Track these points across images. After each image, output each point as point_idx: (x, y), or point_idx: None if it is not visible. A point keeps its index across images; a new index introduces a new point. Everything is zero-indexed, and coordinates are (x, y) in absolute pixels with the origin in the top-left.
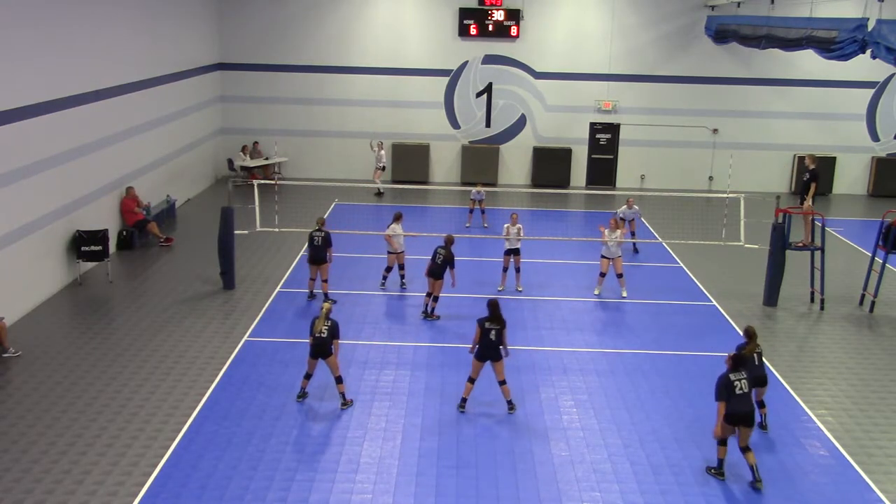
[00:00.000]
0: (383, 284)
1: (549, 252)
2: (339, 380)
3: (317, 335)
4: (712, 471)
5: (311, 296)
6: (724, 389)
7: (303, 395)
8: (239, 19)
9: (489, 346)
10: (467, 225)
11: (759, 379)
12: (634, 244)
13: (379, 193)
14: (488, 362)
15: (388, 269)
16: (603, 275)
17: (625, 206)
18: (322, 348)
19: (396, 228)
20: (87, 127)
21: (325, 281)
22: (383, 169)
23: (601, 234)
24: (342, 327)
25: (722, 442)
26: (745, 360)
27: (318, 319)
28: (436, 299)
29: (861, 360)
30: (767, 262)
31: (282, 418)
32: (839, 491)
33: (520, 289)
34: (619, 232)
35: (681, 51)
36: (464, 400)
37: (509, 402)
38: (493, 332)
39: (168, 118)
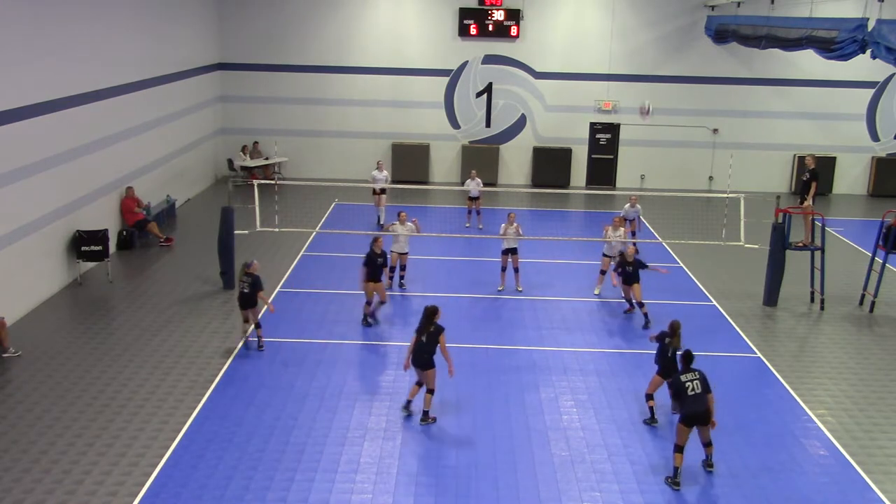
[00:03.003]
0: (389, 286)
1: (549, 252)
2: (258, 325)
3: (241, 290)
4: (668, 480)
5: (374, 320)
6: (676, 389)
7: (245, 341)
8: (239, 19)
9: (419, 351)
10: (467, 225)
11: (670, 368)
12: (635, 244)
13: (379, 222)
14: (419, 369)
15: (392, 269)
16: (603, 272)
17: (627, 205)
18: (246, 300)
19: (398, 228)
20: (87, 127)
21: (382, 303)
22: (384, 192)
23: (604, 233)
24: (342, 327)
25: (678, 449)
26: (692, 357)
27: (238, 274)
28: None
29: (861, 360)
30: (767, 262)
31: (282, 418)
32: (839, 491)
33: (519, 289)
34: (621, 230)
35: (681, 51)
36: (408, 401)
37: (425, 413)
38: (424, 336)
39: (168, 118)
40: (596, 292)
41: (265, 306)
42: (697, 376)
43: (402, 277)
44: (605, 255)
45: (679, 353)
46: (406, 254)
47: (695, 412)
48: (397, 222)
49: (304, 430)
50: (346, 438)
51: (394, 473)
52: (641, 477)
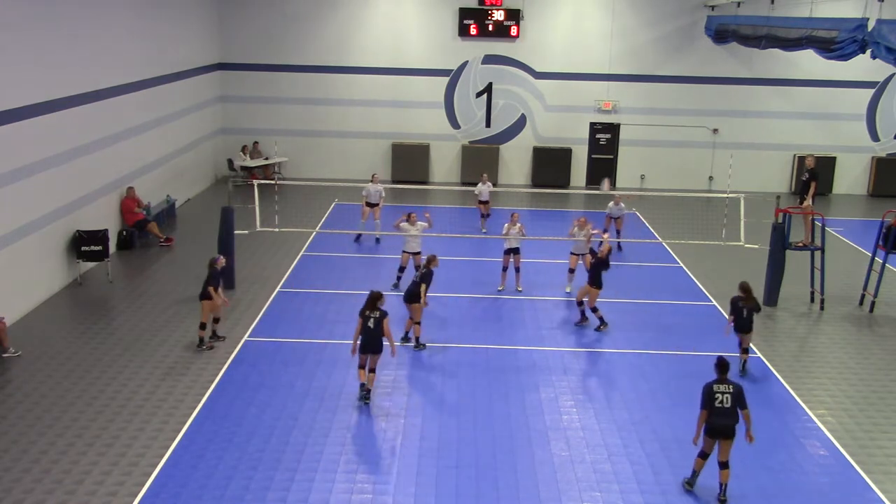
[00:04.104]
0: (396, 285)
1: (549, 252)
2: (202, 326)
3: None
4: (684, 480)
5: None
6: (707, 399)
7: (201, 344)
8: (239, 19)
9: (369, 336)
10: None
11: (746, 325)
12: (619, 243)
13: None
14: (371, 354)
15: (402, 269)
16: (572, 271)
17: (612, 203)
18: (201, 292)
19: (409, 228)
20: (87, 127)
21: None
22: (377, 205)
23: (572, 227)
24: (342, 327)
25: (702, 455)
26: (726, 365)
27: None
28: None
29: (861, 360)
30: (767, 262)
31: (282, 418)
32: (839, 491)
33: (519, 289)
34: (587, 229)
35: (681, 51)
36: (362, 385)
37: (367, 390)
38: (371, 321)
39: (168, 118)
40: (567, 290)
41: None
42: (731, 391)
43: (398, 278)
44: (572, 253)
45: (754, 311)
46: (419, 254)
47: (720, 425)
48: (407, 222)
49: (304, 430)
50: (346, 438)
51: (394, 473)
52: (641, 477)
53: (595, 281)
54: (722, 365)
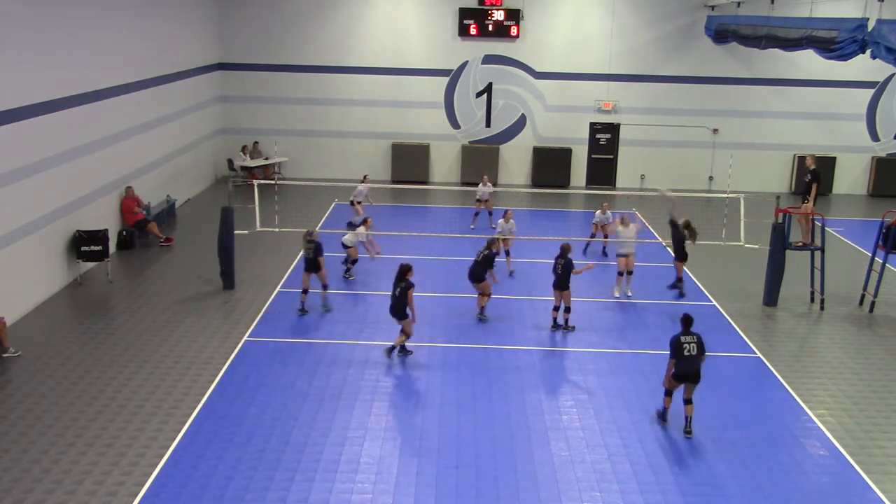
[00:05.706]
0: (349, 274)
1: (549, 252)
2: (325, 287)
3: (306, 257)
4: (658, 414)
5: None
6: (674, 349)
7: (303, 310)
8: (239, 19)
9: (392, 304)
10: (472, 227)
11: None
12: (604, 247)
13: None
14: (396, 319)
15: (354, 262)
16: (621, 274)
17: (598, 211)
18: (311, 264)
19: (361, 230)
20: (87, 127)
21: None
22: (361, 202)
23: (616, 226)
24: (342, 327)
25: (668, 393)
26: (692, 320)
27: (304, 243)
28: (567, 310)
29: (861, 360)
30: (767, 262)
31: (282, 418)
32: (839, 491)
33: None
34: (631, 227)
35: (681, 51)
36: (392, 347)
37: (402, 347)
38: (397, 291)
39: (168, 118)
40: (616, 294)
41: (323, 273)
42: (695, 340)
43: (348, 269)
44: (619, 254)
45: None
46: (355, 249)
47: (687, 371)
48: (363, 225)
49: (304, 430)
50: (346, 438)
51: (394, 473)
52: (641, 477)
53: (565, 282)
54: (687, 320)
